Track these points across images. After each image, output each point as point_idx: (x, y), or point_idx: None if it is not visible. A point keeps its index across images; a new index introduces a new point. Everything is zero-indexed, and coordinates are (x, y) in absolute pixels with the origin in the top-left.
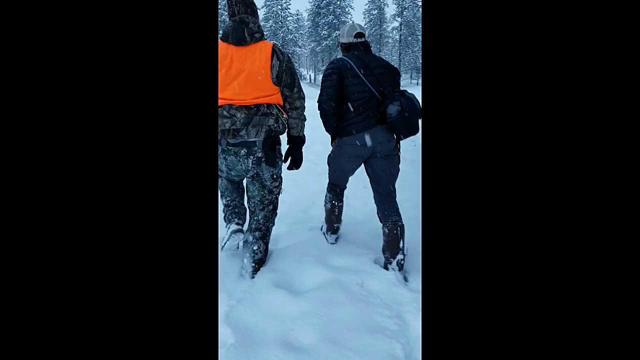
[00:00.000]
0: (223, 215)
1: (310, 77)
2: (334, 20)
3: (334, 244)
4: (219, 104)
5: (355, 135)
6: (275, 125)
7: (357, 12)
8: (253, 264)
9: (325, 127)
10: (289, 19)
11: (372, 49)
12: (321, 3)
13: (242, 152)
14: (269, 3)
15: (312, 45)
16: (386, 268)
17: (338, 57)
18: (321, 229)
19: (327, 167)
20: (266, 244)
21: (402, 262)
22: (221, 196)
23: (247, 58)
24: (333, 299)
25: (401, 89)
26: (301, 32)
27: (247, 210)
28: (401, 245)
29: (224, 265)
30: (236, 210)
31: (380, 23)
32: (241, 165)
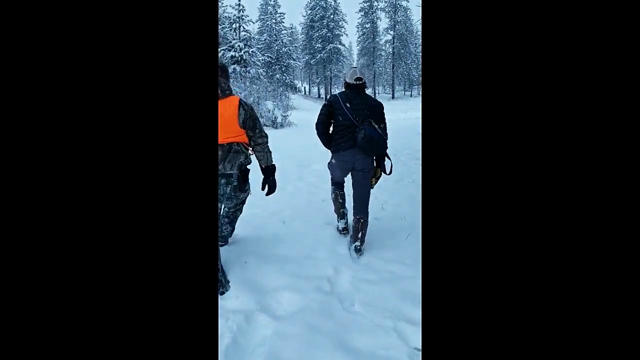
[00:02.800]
0: None
1: (305, 90)
2: (328, 34)
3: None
4: None
5: (341, 152)
6: (245, 161)
7: (351, 25)
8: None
9: (320, 141)
10: (283, 32)
11: (365, 60)
12: (315, 17)
13: (222, 181)
14: (263, 17)
15: (307, 57)
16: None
17: (335, 93)
18: (337, 229)
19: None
20: (233, 228)
21: (359, 247)
22: None
23: (219, 109)
24: None
25: (382, 112)
26: (295, 45)
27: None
28: (359, 235)
29: None
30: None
31: (373, 36)
32: (220, 190)
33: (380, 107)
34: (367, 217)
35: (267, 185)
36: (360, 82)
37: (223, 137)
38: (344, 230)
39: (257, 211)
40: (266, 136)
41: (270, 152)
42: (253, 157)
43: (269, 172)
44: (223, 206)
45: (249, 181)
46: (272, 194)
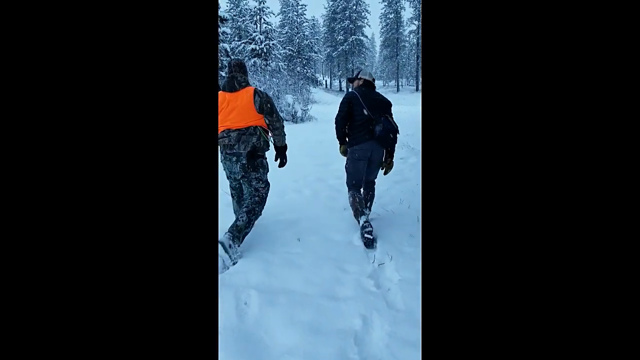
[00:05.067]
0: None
1: (326, 83)
2: (350, 25)
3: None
4: (221, 130)
5: (360, 144)
6: (258, 142)
7: (374, 16)
8: (231, 229)
9: (336, 134)
10: (304, 24)
11: (389, 52)
12: (337, 8)
13: (234, 159)
14: (285, 10)
15: (328, 50)
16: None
17: (351, 90)
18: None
19: (346, 178)
20: (250, 218)
21: (368, 213)
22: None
23: (237, 98)
24: None
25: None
26: (317, 37)
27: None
28: (368, 205)
29: None
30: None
31: (397, 27)
32: (234, 168)
33: (390, 104)
34: (374, 192)
35: (279, 159)
36: (372, 79)
37: (242, 122)
38: (366, 231)
39: (269, 222)
40: (282, 120)
41: (285, 134)
42: (269, 145)
43: (281, 150)
44: (245, 193)
45: (263, 171)
46: (289, 199)
